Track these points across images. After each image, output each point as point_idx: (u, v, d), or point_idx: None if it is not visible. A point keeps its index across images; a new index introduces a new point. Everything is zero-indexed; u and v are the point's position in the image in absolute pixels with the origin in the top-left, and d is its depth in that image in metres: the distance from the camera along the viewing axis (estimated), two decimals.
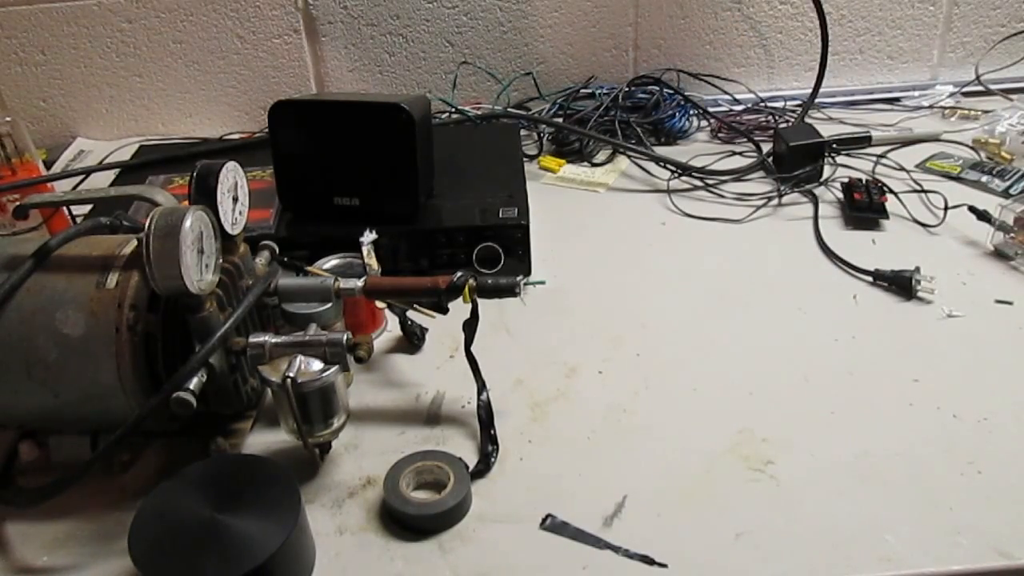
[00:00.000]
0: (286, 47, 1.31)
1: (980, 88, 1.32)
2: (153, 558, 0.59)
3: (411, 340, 0.88)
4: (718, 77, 1.35)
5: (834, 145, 1.17)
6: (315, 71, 1.34)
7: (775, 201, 1.10)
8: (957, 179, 1.11)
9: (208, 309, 0.68)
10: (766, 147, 1.19)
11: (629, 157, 1.22)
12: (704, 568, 0.63)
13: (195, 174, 0.72)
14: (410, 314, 0.86)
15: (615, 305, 0.92)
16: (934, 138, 1.21)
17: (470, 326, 0.77)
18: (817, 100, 1.28)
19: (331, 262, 0.88)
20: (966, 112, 1.28)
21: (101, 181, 1.16)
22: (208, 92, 1.35)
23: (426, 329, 0.88)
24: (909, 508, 0.66)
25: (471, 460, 0.72)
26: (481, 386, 0.78)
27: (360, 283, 0.76)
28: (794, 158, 1.10)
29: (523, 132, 1.24)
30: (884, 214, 1.03)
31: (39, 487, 0.66)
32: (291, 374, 0.67)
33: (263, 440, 0.77)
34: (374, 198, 0.96)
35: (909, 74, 1.37)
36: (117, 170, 1.16)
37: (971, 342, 0.83)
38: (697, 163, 1.16)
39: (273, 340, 0.70)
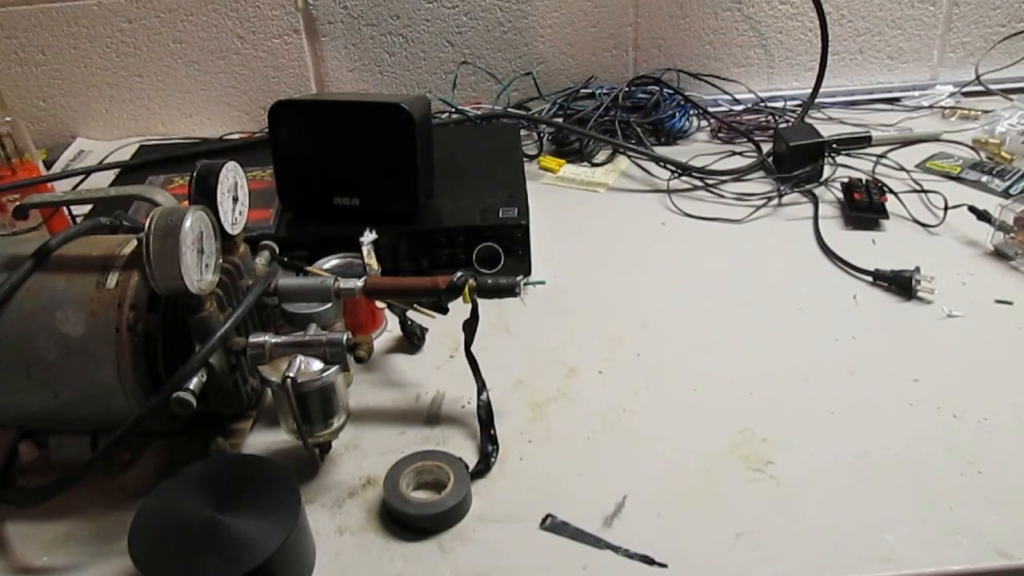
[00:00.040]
0: (286, 47, 1.31)
1: (980, 88, 1.32)
2: (153, 558, 0.59)
3: (411, 340, 0.88)
4: (718, 77, 1.35)
5: (834, 145, 1.17)
6: (315, 71, 1.34)
7: (775, 201, 1.10)
8: (957, 179, 1.11)
9: (208, 309, 0.68)
10: (766, 147, 1.19)
11: (629, 157, 1.22)
12: (704, 568, 0.63)
13: (195, 174, 0.72)
14: (410, 314, 0.86)
15: (615, 305, 0.92)
16: (934, 138, 1.21)
17: (470, 326, 0.77)
18: (817, 100, 1.28)
19: (331, 262, 0.88)
20: (966, 112, 1.28)
21: (101, 181, 1.16)
22: (208, 92, 1.35)
23: (426, 329, 0.88)
24: (909, 508, 0.66)
25: (471, 460, 0.72)
26: (481, 386, 0.78)
27: (360, 283, 0.76)
28: (794, 158, 1.10)
29: (523, 132, 1.24)
30: (884, 214, 1.03)
31: (39, 487, 0.66)
32: (291, 374, 0.67)
33: (263, 440, 0.77)
34: (374, 198, 0.96)
35: (909, 74, 1.37)
36: (117, 170, 1.16)
37: (971, 342, 0.83)
38: (697, 163, 1.16)
39: (273, 340, 0.70)
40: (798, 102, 1.31)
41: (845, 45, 1.34)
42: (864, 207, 1.03)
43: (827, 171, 1.13)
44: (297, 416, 0.68)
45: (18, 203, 0.78)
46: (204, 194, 0.71)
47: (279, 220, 0.97)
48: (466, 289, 0.74)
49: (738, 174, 1.14)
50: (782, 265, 0.97)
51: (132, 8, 1.27)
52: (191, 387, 0.65)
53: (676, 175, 1.15)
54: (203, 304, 0.68)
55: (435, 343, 0.88)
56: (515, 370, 0.83)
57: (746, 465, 0.71)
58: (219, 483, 0.64)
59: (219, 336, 0.67)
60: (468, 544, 0.66)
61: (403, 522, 0.67)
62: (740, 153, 1.22)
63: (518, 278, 0.75)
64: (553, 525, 0.67)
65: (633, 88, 1.30)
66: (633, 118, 1.25)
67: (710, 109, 1.30)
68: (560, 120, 1.26)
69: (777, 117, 1.28)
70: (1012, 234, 0.94)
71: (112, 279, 0.67)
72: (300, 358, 0.68)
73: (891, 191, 1.05)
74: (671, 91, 1.29)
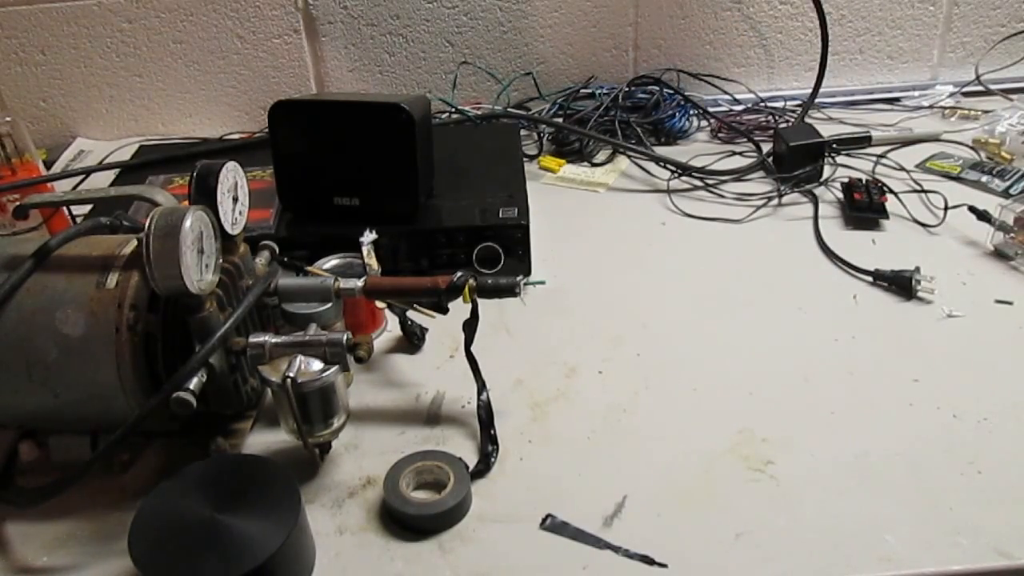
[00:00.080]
0: (286, 47, 1.31)
1: (980, 88, 1.32)
2: (153, 558, 0.59)
3: (411, 340, 0.88)
4: (718, 77, 1.35)
5: (834, 145, 1.17)
6: (315, 71, 1.34)
7: (775, 201, 1.10)
8: (957, 179, 1.11)
9: (208, 309, 0.68)
10: (766, 147, 1.19)
11: (629, 157, 1.22)
12: (704, 568, 0.63)
13: (195, 174, 0.72)
14: (410, 314, 0.86)
15: (615, 305, 0.92)
16: (934, 138, 1.21)
17: (470, 326, 0.77)
18: (817, 100, 1.28)
19: (331, 262, 0.88)
20: (966, 112, 1.28)
21: (101, 181, 1.16)
22: (208, 92, 1.35)
23: (426, 329, 0.88)
24: (909, 508, 0.66)
25: (471, 460, 0.72)
26: (481, 386, 0.78)
27: (360, 283, 0.76)
28: (794, 158, 1.10)
29: (523, 132, 1.24)
30: (884, 214, 1.03)
31: (39, 487, 0.66)
32: (291, 374, 0.67)
33: (263, 440, 0.77)
34: (374, 198, 0.96)
35: (909, 74, 1.37)
36: (117, 170, 1.16)
37: (971, 342, 0.83)
38: (697, 163, 1.16)
39: (273, 340, 0.70)
40: (798, 102, 1.31)
41: (845, 45, 1.34)
42: (864, 207, 1.03)
43: (827, 171, 1.13)
44: (297, 416, 0.68)
45: (18, 203, 0.78)
46: (204, 194, 0.71)
47: (279, 220, 0.97)
48: (466, 289, 0.74)
49: (738, 174, 1.14)
50: (782, 265, 0.97)
51: (132, 8, 1.27)
52: (191, 387, 0.65)
53: (676, 175, 1.15)
54: (203, 304, 0.68)
55: (435, 343, 0.88)
56: (515, 370, 0.83)
57: (746, 465, 0.71)
58: (219, 483, 0.64)
59: (219, 336, 0.67)
60: (468, 544, 0.66)
61: (403, 522, 0.67)
62: (740, 153, 1.22)
63: (518, 278, 0.75)
64: (553, 525, 0.67)
65: (633, 88, 1.30)
66: (633, 118, 1.25)
67: (710, 109, 1.30)
68: (560, 120, 1.26)
69: (777, 117, 1.28)
70: (1012, 234, 0.94)
71: (112, 279, 0.67)
72: (300, 358, 0.68)
73: (891, 191, 1.05)
74: (671, 91, 1.29)
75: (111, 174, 1.16)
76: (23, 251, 0.69)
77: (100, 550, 0.67)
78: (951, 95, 1.33)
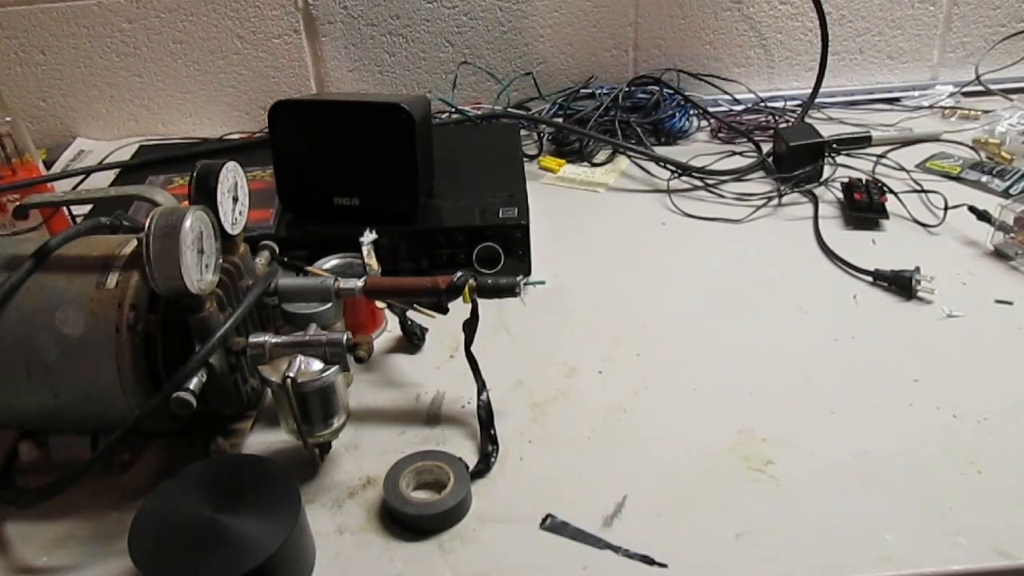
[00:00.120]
0: (286, 47, 1.31)
1: (980, 88, 1.32)
2: (153, 558, 0.59)
3: (411, 340, 0.88)
4: (718, 77, 1.35)
5: (834, 145, 1.17)
6: (315, 71, 1.34)
7: (775, 201, 1.10)
8: (957, 179, 1.11)
9: (208, 309, 0.68)
10: (766, 147, 1.19)
11: (629, 157, 1.22)
12: (704, 568, 0.63)
13: (195, 174, 0.72)
14: (410, 314, 0.87)
15: (615, 305, 0.92)
16: (934, 138, 1.21)
17: (470, 326, 0.77)
18: (817, 100, 1.28)
19: (331, 262, 0.88)
20: (966, 112, 1.28)
21: (101, 181, 1.16)
22: (208, 92, 1.35)
23: (426, 329, 0.88)
24: (909, 508, 0.66)
25: (471, 460, 0.72)
26: (481, 386, 0.78)
27: (360, 283, 0.76)
28: (794, 158, 1.10)
29: (523, 132, 1.24)
30: (884, 214, 1.03)
31: (39, 487, 0.66)
32: (291, 374, 0.67)
33: (263, 440, 0.77)
34: (374, 198, 0.96)
35: (909, 74, 1.37)
36: (117, 170, 1.16)
37: (971, 342, 0.83)
38: (697, 163, 1.16)
39: (273, 340, 0.70)
40: (798, 102, 1.31)
41: (845, 45, 1.34)
42: (864, 207, 1.03)
43: (827, 171, 1.13)
44: (297, 416, 0.68)
45: (18, 203, 0.78)
46: (204, 194, 0.71)
47: (279, 220, 0.97)
48: (466, 289, 0.74)
49: (738, 174, 1.14)
50: (782, 265, 0.97)
51: (132, 8, 1.27)
52: (191, 387, 0.65)
53: (676, 175, 1.15)
54: (203, 304, 0.68)
55: (435, 343, 0.88)
56: (515, 370, 0.83)
57: (746, 465, 0.71)
58: (219, 483, 0.64)
59: (219, 336, 0.67)
60: (468, 544, 0.66)
61: (403, 522, 0.67)
62: (740, 153, 1.22)
63: (518, 278, 0.75)
64: (553, 525, 0.67)
65: (633, 88, 1.30)
66: (633, 118, 1.25)
67: (710, 109, 1.30)
68: (560, 120, 1.26)
69: (777, 117, 1.28)
70: (1012, 234, 0.94)
71: (112, 279, 0.67)
72: (300, 358, 0.68)
73: (891, 191, 1.05)
74: (671, 91, 1.29)
75: (111, 174, 1.16)
76: (23, 251, 0.69)
77: (100, 550, 0.67)
78: (951, 95, 1.33)
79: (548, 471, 0.72)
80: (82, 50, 1.30)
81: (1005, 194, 1.06)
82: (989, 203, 0.99)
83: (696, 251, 1.01)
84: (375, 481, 0.71)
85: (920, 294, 0.89)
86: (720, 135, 1.27)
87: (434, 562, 0.64)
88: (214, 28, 1.29)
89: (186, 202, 0.71)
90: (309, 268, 0.86)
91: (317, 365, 0.69)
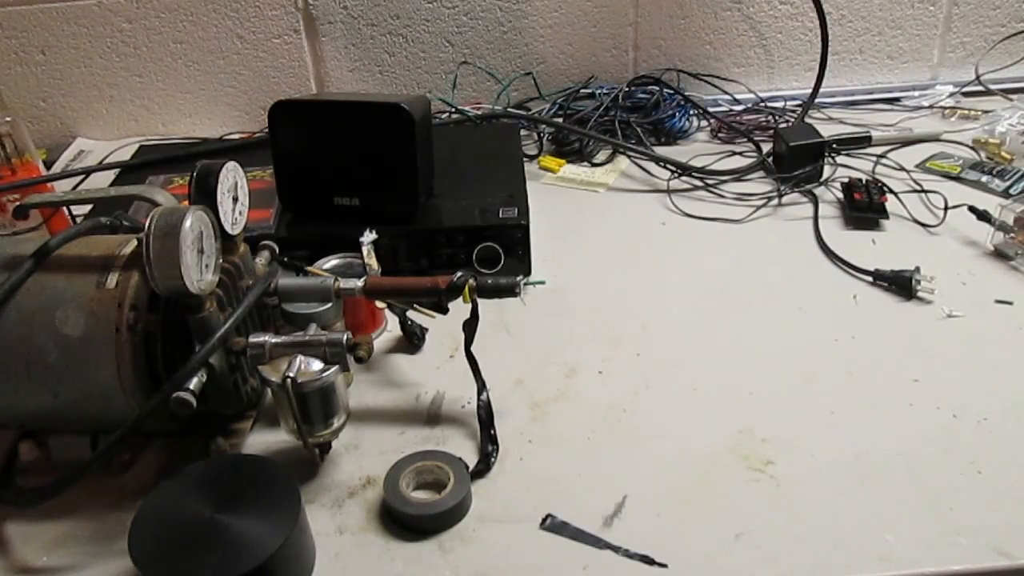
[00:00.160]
0: (286, 47, 1.31)
1: (980, 88, 1.32)
2: (153, 558, 0.59)
3: (411, 340, 0.88)
4: (718, 77, 1.35)
5: (834, 145, 1.17)
6: (315, 71, 1.34)
7: (775, 201, 1.10)
8: (957, 179, 1.11)
9: (208, 309, 0.68)
10: (766, 147, 1.19)
11: (629, 157, 1.22)
12: (704, 568, 0.63)
13: (195, 174, 0.72)
14: (410, 314, 0.87)
15: (615, 305, 0.92)
16: (934, 138, 1.21)
17: (470, 326, 0.77)
18: (817, 100, 1.28)
19: (331, 262, 0.88)
20: (966, 112, 1.28)
21: (101, 181, 1.16)
22: (208, 92, 1.35)
23: (426, 329, 0.88)
24: (909, 508, 0.66)
25: (471, 460, 0.72)
26: (481, 386, 0.78)
27: (360, 283, 0.76)
28: (794, 158, 1.10)
29: (523, 132, 1.24)
30: (884, 214, 1.03)
31: (39, 487, 0.66)
32: (291, 374, 0.67)
33: (263, 440, 0.77)
34: (374, 198, 0.96)
35: (909, 74, 1.37)
36: (117, 170, 1.16)
37: (971, 342, 0.83)
38: (697, 163, 1.16)
39: (273, 340, 0.70)
40: (798, 102, 1.31)
41: (845, 45, 1.34)
42: (864, 207, 1.03)
43: (827, 171, 1.13)
44: (297, 416, 0.68)
45: (18, 203, 0.78)
46: (204, 194, 0.71)
47: (279, 220, 0.97)
48: (466, 289, 0.74)
49: (738, 174, 1.14)
50: (782, 265, 0.97)
51: (132, 8, 1.27)
52: (191, 387, 0.65)
53: (676, 175, 1.15)
54: (203, 304, 0.68)
55: (435, 343, 0.88)
56: (515, 370, 0.83)
57: (746, 465, 0.71)
58: (219, 483, 0.64)
59: (219, 336, 0.67)
60: (468, 544, 0.66)
61: (403, 522, 0.67)
62: (740, 153, 1.22)
63: (518, 278, 0.75)
64: (553, 525, 0.67)
65: (633, 88, 1.30)
66: (633, 118, 1.25)
67: (710, 109, 1.30)
68: (560, 120, 1.26)
69: (777, 117, 1.28)
70: (1012, 234, 0.94)
71: (112, 279, 0.67)
72: (300, 358, 0.68)
73: (891, 191, 1.05)
74: (671, 91, 1.29)
75: (111, 174, 1.16)
76: (23, 251, 0.69)
77: (100, 550, 0.67)
78: (951, 95, 1.33)
79: (548, 471, 0.72)
80: (82, 50, 1.30)
81: (1005, 194, 1.06)
82: (989, 203, 0.99)
83: (696, 251, 1.01)
84: (375, 481, 0.71)
85: (920, 294, 0.89)
86: (720, 135, 1.27)
87: (434, 562, 0.64)
88: (214, 28, 1.29)
89: (186, 202, 0.71)
90: (309, 268, 0.86)
91: (317, 365, 0.69)
